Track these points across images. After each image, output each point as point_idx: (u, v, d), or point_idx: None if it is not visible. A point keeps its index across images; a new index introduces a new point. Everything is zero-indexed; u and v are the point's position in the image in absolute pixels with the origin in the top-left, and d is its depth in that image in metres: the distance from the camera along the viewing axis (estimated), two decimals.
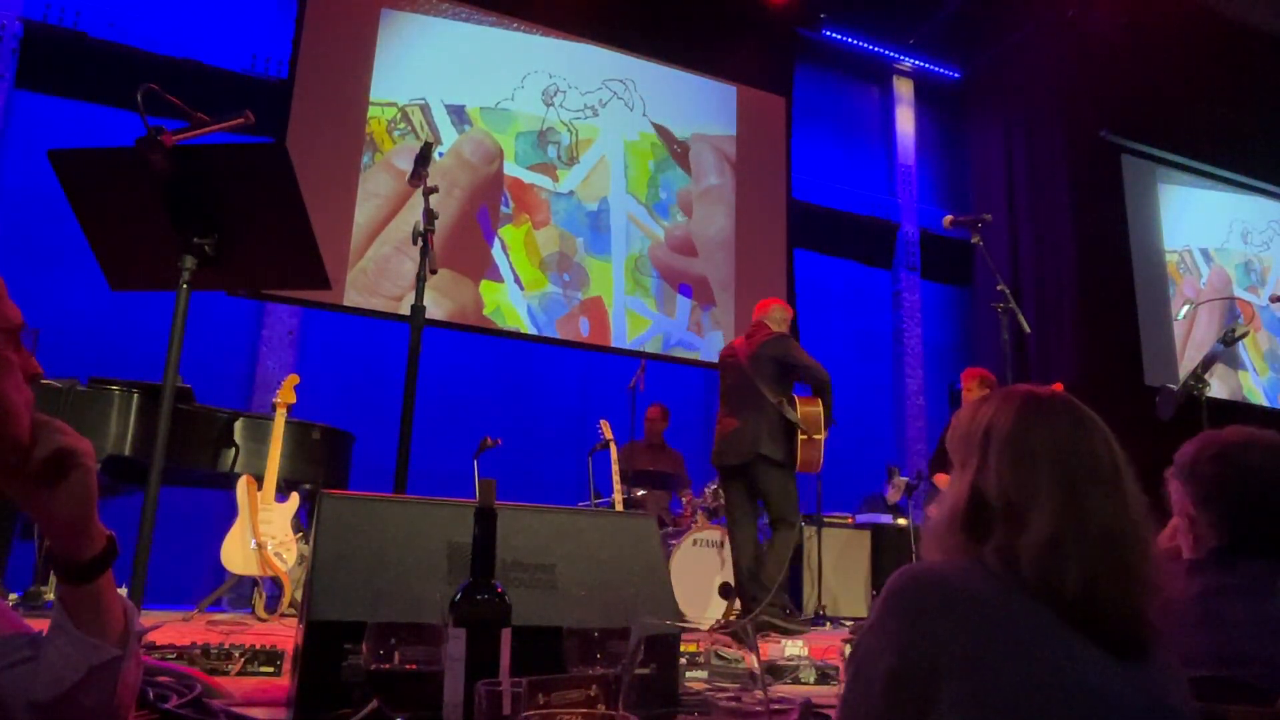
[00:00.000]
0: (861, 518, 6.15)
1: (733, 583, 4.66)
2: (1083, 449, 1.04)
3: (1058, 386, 1.19)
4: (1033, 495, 1.01)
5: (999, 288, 4.21)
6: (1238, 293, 9.48)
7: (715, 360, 7.22)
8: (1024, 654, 0.92)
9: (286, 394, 4.12)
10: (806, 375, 4.65)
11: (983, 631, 0.94)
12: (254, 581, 3.94)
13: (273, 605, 3.91)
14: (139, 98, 2.07)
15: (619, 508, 4.90)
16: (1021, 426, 1.07)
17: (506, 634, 1.14)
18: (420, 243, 3.06)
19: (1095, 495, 1.01)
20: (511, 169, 6.84)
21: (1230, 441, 1.52)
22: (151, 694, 1.53)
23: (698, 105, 7.72)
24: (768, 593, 4.39)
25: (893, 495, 6.28)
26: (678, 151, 7.49)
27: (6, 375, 0.93)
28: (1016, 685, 0.90)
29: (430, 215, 3.09)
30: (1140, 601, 0.97)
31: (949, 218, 4.67)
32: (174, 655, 2.14)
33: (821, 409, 4.61)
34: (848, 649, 2.65)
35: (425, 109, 6.65)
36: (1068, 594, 0.95)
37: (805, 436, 4.55)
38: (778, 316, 4.87)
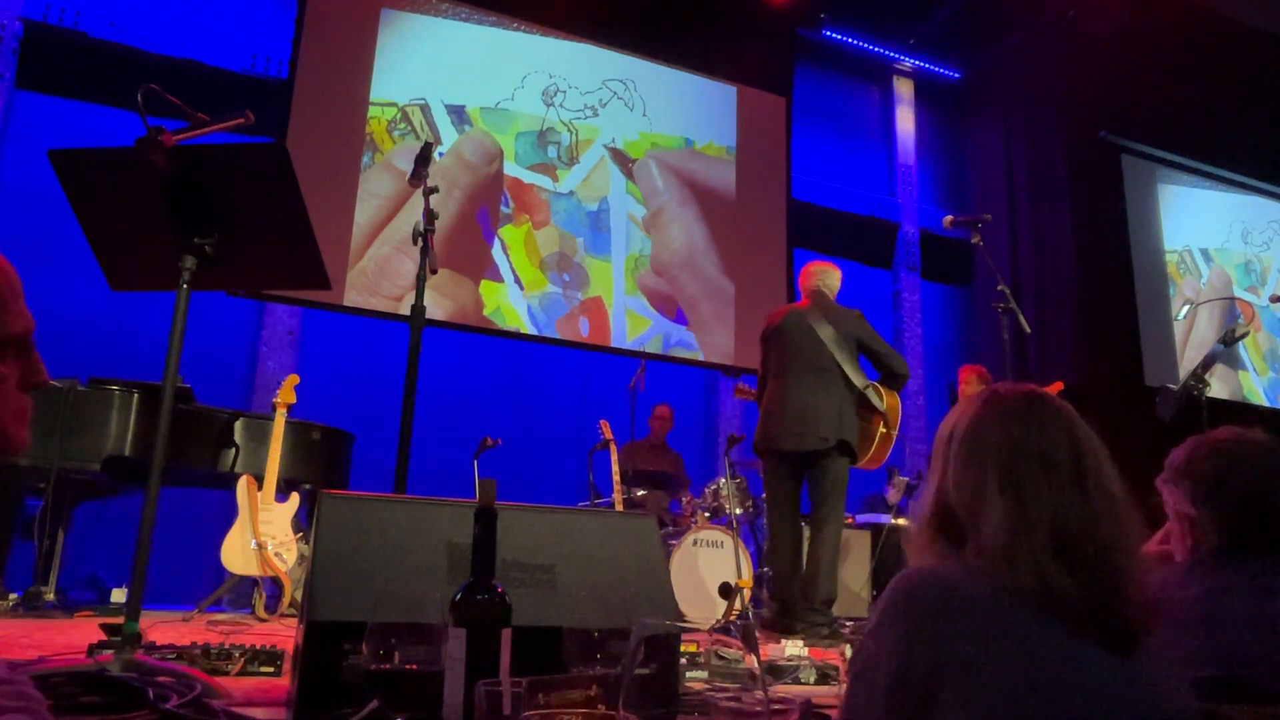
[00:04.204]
0: (861, 518, 6.15)
1: (733, 582, 4.65)
2: (1034, 442, 1.04)
3: (1058, 385, 1.19)
4: (982, 496, 1.02)
5: (999, 288, 4.21)
6: (1238, 293, 9.48)
7: (715, 360, 7.27)
8: (1021, 654, 0.93)
9: (286, 394, 4.12)
10: (884, 363, 4.28)
11: (981, 633, 0.94)
12: (254, 581, 3.94)
13: (273, 605, 3.91)
14: (139, 98, 2.07)
15: (619, 508, 4.90)
16: (975, 428, 1.08)
17: (506, 634, 1.14)
18: (420, 243, 3.06)
19: (1044, 489, 1.01)
20: (511, 169, 6.84)
21: (1223, 439, 1.52)
22: (151, 694, 1.53)
23: (698, 105, 7.72)
24: (828, 613, 4.04)
25: (893, 495, 6.28)
26: (630, 171, 7.32)
27: None
28: (1015, 686, 0.91)
29: (430, 215, 3.10)
30: (1105, 592, 0.96)
31: (949, 218, 4.66)
32: (174, 655, 2.14)
33: (899, 403, 4.29)
34: (848, 649, 2.65)
35: (425, 109, 6.65)
36: (1028, 590, 0.96)
37: (886, 430, 4.17)
38: (836, 284, 4.46)
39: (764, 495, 4.50)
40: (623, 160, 7.28)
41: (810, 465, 4.20)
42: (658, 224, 7.32)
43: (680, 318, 7.21)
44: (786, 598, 4.20)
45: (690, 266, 7.36)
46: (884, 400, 4.26)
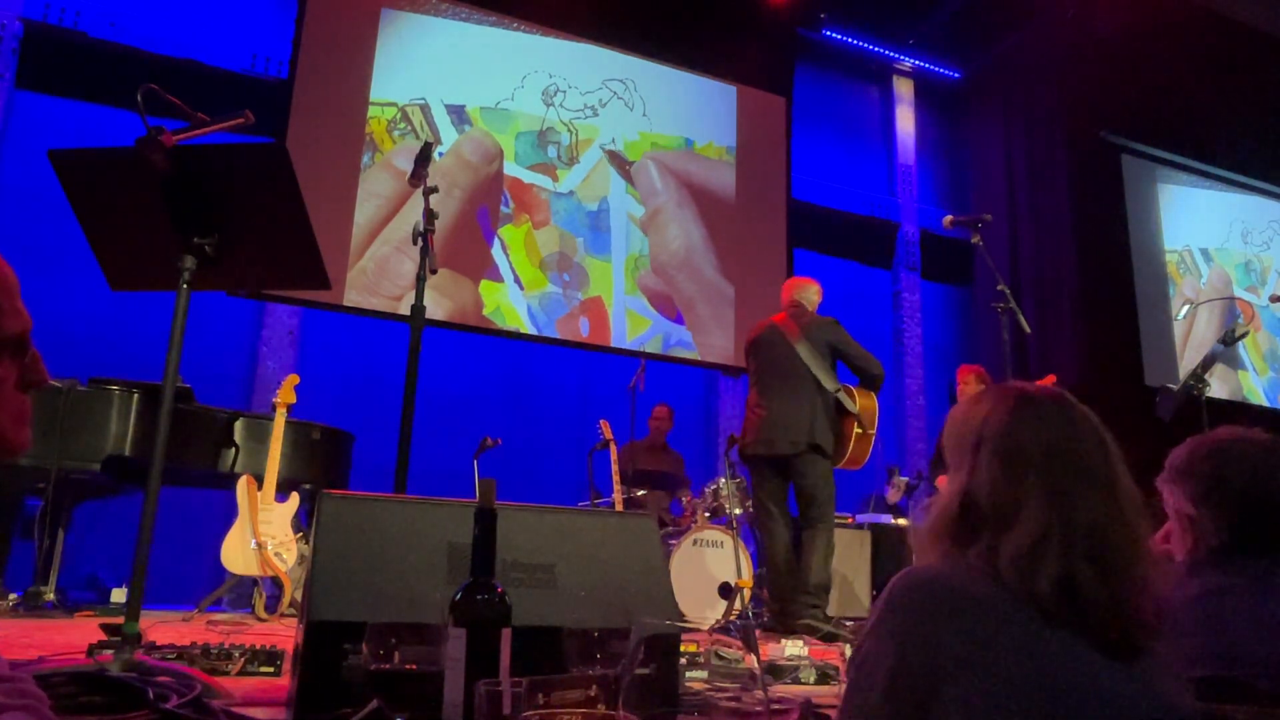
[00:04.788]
0: (861, 518, 6.15)
1: (733, 582, 4.65)
2: (1074, 447, 1.04)
3: (1050, 379, 1.19)
4: (1021, 497, 1.01)
5: (999, 288, 4.21)
6: (1238, 293, 9.48)
7: (715, 360, 7.27)
8: (1021, 655, 0.92)
9: (286, 394, 4.12)
10: (859, 364, 4.47)
11: (980, 634, 0.94)
12: (254, 581, 3.94)
13: (273, 605, 3.91)
14: (139, 98, 2.07)
15: (619, 508, 4.90)
16: (1012, 427, 1.06)
17: (506, 634, 1.14)
18: (420, 243, 3.06)
19: (1084, 494, 1.00)
20: (511, 169, 6.84)
21: (1223, 439, 1.52)
22: (151, 694, 1.53)
23: (698, 106, 7.72)
24: (822, 597, 4.19)
25: (893, 495, 6.28)
26: (628, 173, 7.31)
27: None
28: (1013, 687, 0.90)
29: (430, 215, 3.09)
30: (1129, 599, 0.97)
31: (949, 218, 4.66)
32: (174, 655, 2.14)
33: (875, 404, 4.46)
34: (848, 649, 2.65)
35: (425, 109, 6.65)
36: (1042, 594, 0.95)
37: (861, 431, 4.37)
38: (815, 298, 4.68)
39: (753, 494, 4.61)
40: (620, 163, 7.27)
41: (788, 469, 4.39)
42: (655, 224, 7.31)
43: (680, 318, 7.22)
44: (784, 598, 4.30)
45: (689, 267, 7.35)
46: (856, 402, 4.43)
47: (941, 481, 5.33)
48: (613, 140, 7.27)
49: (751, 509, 5.14)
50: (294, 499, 4.05)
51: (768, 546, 4.46)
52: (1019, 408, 1.08)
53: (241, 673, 2.11)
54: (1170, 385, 4.86)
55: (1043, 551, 0.96)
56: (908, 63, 8.93)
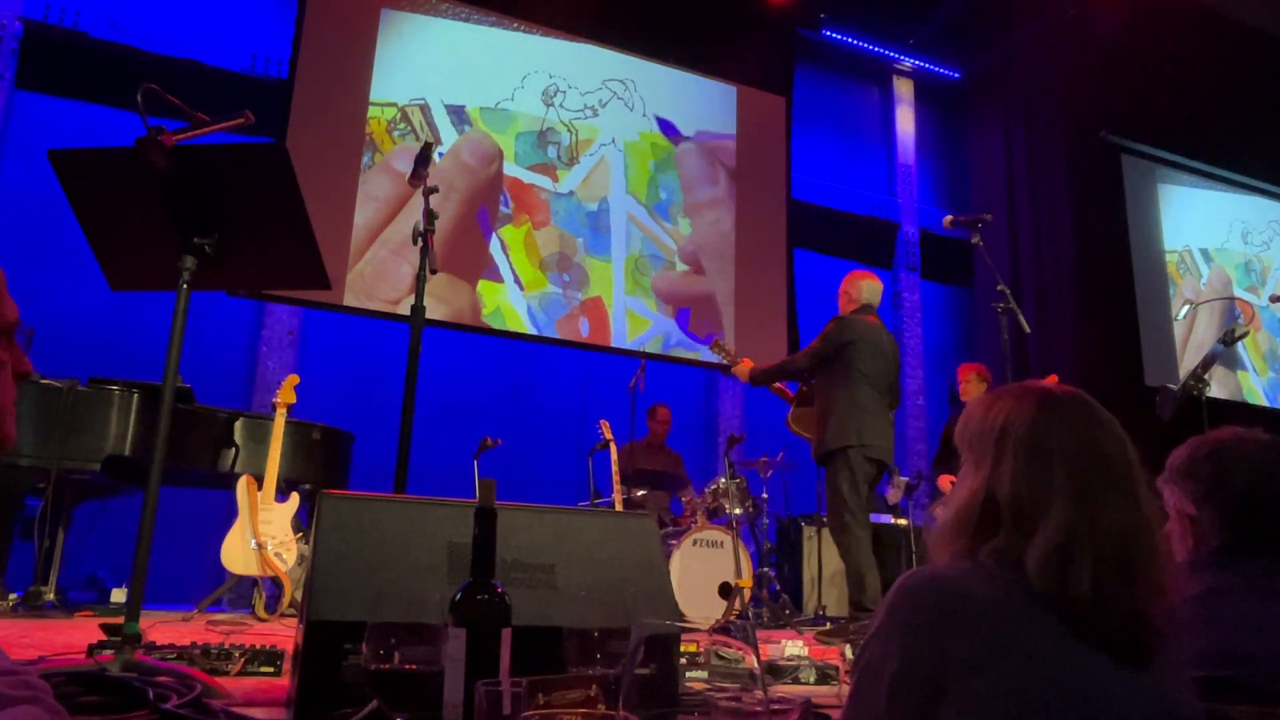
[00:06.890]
0: None
1: (733, 582, 4.65)
2: (1099, 449, 1.02)
3: (1052, 379, 1.18)
4: (1048, 496, 1.00)
5: (999, 288, 4.21)
6: (1238, 293, 9.48)
7: (715, 360, 7.26)
8: (1027, 658, 0.91)
9: (286, 394, 4.12)
10: (898, 390, 4.56)
11: (986, 636, 0.93)
12: (254, 581, 3.94)
13: (273, 605, 3.91)
14: (139, 98, 2.07)
15: (619, 508, 4.90)
16: (1038, 426, 1.04)
17: (506, 634, 1.14)
18: (420, 243, 3.06)
19: (1110, 496, 0.99)
20: (511, 169, 6.84)
21: (1223, 439, 1.52)
22: (151, 694, 1.53)
23: (698, 105, 7.72)
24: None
25: (893, 495, 6.27)
26: (675, 153, 7.43)
27: None
28: (1020, 690, 0.90)
29: (430, 215, 3.09)
30: (1146, 605, 0.96)
31: (949, 218, 4.66)
32: (174, 655, 2.14)
33: None
34: (848, 649, 2.65)
35: (425, 109, 6.65)
36: (1074, 598, 0.94)
37: None
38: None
39: (842, 491, 4.27)
40: (674, 134, 7.31)
41: (874, 478, 4.42)
42: (703, 210, 7.39)
43: (681, 317, 7.22)
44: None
45: (726, 257, 7.42)
46: None
47: (943, 482, 5.28)
48: (613, 141, 7.27)
49: (759, 505, 5.18)
50: (294, 499, 4.05)
51: (862, 542, 4.22)
52: (1044, 406, 1.06)
53: (241, 673, 2.11)
54: (1170, 385, 4.86)
55: (1072, 555, 0.95)
56: (908, 63, 8.93)
